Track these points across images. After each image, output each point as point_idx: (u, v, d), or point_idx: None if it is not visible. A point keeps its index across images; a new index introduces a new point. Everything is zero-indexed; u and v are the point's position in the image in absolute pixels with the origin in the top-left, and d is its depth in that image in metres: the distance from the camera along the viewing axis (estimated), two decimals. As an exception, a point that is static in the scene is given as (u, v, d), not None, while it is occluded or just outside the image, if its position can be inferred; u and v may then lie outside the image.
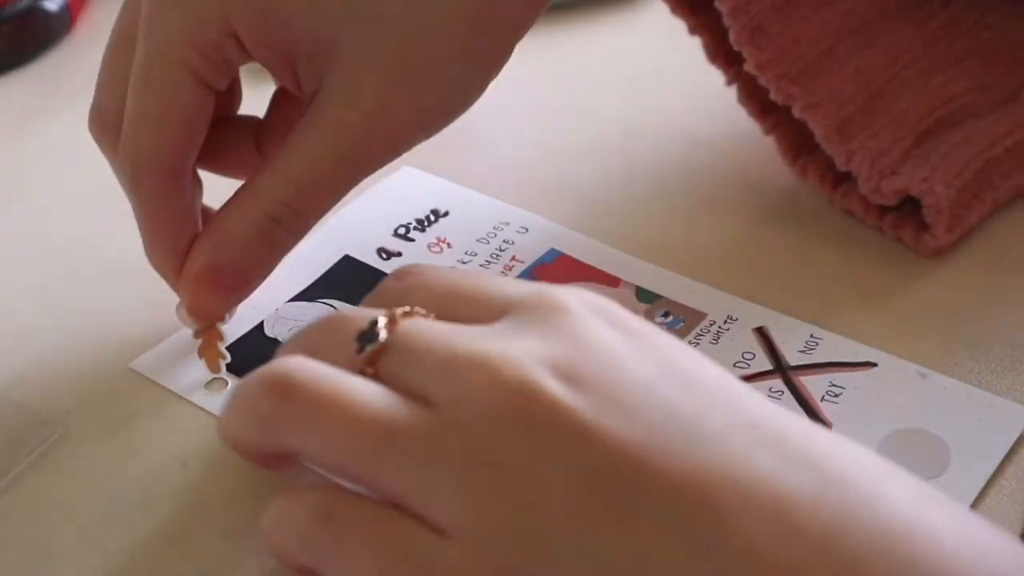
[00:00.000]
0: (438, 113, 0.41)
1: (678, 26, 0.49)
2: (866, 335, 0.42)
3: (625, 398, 0.29)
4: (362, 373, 0.31)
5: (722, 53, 0.48)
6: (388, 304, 0.33)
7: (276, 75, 0.41)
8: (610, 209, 0.48)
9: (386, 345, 0.31)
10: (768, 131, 0.48)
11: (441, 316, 0.32)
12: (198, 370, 0.41)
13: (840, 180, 0.46)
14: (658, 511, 0.28)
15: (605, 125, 0.53)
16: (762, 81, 0.45)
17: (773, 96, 0.45)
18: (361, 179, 0.41)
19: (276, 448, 0.31)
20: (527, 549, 0.28)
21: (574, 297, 0.32)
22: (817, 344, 0.42)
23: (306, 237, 0.46)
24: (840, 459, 0.29)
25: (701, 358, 0.31)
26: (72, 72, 0.58)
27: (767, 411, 0.30)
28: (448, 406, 0.29)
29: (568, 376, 0.29)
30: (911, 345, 0.41)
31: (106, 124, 0.41)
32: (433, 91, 0.40)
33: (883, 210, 0.45)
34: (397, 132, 0.40)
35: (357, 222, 0.47)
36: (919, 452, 0.38)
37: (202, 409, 0.40)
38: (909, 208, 0.45)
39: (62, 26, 0.60)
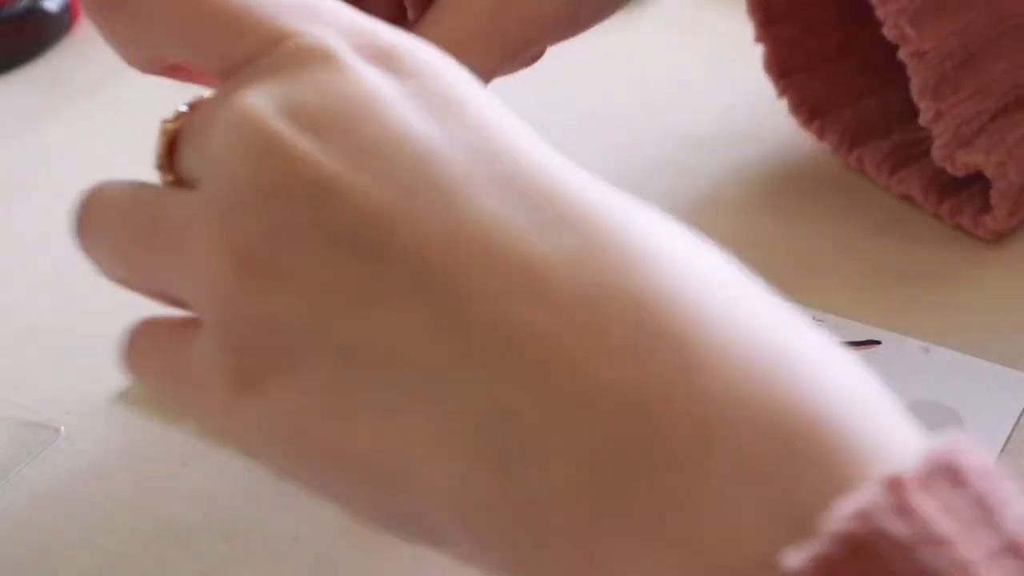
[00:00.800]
0: None
1: (680, 26, 0.49)
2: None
3: (375, 150, 0.25)
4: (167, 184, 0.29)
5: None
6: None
7: None
8: None
9: (173, 141, 0.29)
10: (812, 127, 0.48)
11: (187, 45, 0.29)
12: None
13: (897, 167, 0.46)
14: (396, 284, 0.25)
15: (604, 123, 0.52)
16: (880, 13, 0.44)
17: (887, 30, 0.44)
18: (505, 58, 0.38)
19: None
20: (270, 337, 0.26)
21: (342, 37, 0.27)
22: (819, 326, 0.42)
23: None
24: (616, 221, 0.25)
25: (495, 106, 0.27)
26: (72, 72, 0.58)
27: (548, 165, 0.26)
28: (202, 182, 0.27)
29: (312, 126, 0.26)
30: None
31: None
32: None
33: (942, 196, 0.45)
34: None
35: None
36: (933, 424, 0.37)
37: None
38: (966, 195, 0.45)
39: (62, 26, 0.59)
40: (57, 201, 0.50)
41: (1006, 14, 0.46)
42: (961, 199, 0.45)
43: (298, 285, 0.25)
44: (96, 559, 0.36)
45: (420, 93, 0.26)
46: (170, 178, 0.29)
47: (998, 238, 0.44)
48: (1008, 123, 0.45)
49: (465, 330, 0.24)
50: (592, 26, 0.41)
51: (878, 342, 0.41)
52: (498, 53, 0.37)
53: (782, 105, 0.50)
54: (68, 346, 0.43)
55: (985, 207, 0.44)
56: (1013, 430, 0.38)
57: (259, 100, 0.26)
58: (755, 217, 0.47)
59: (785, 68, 0.50)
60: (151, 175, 0.45)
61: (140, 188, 0.30)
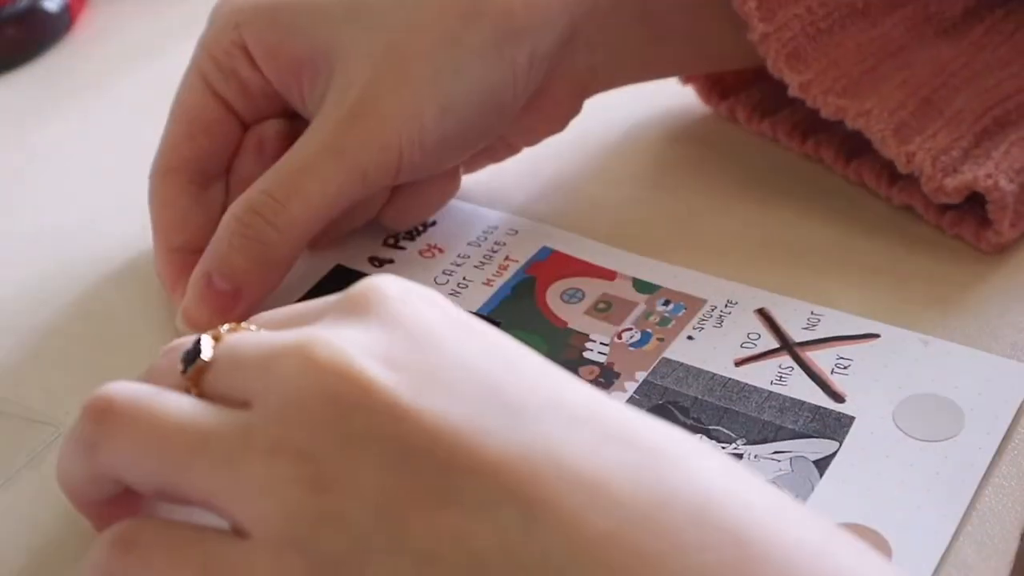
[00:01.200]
0: (427, 104, 0.41)
1: None
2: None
3: (445, 377, 0.28)
4: (187, 392, 0.30)
5: (716, 92, 0.51)
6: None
7: (285, 93, 0.43)
8: (608, 209, 0.48)
9: (209, 362, 0.30)
10: (807, 147, 0.48)
11: None
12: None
13: (896, 177, 0.46)
14: (474, 493, 0.27)
15: (602, 124, 0.52)
16: (809, 102, 0.45)
17: (824, 114, 0.45)
18: (354, 179, 0.40)
19: (98, 475, 0.31)
20: (334, 540, 0.27)
21: (395, 283, 0.31)
22: (819, 320, 0.42)
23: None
24: (656, 436, 0.29)
25: (524, 346, 0.30)
26: (72, 72, 0.58)
27: (587, 393, 0.29)
28: (261, 400, 0.29)
29: (386, 358, 0.28)
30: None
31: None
32: (421, 79, 0.40)
33: (943, 207, 0.45)
34: (383, 120, 0.40)
35: (345, 234, 0.47)
36: (934, 416, 0.39)
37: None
38: (967, 205, 0.44)
39: (62, 26, 0.60)
40: (57, 199, 0.50)
41: (947, 61, 0.46)
42: (962, 210, 0.44)
43: (371, 492, 0.27)
44: (96, 559, 0.36)
45: (462, 327, 0.30)
46: (194, 389, 0.30)
47: (999, 250, 0.44)
48: (992, 144, 0.44)
49: (545, 536, 0.27)
50: (463, 155, 0.44)
51: (877, 335, 0.41)
52: (341, 173, 0.40)
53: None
54: (67, 345, 0.43)
55: (987, 220, 0.44)
56: (1014, 420, 0.38)
57: (330, 334, 0.29)
58: (758, 215, 0.47)
59: (724, 91, 0.50)
60: (148, 172, 0.45)
61: (180, 407, 0.30)
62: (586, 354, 0.41)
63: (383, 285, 0.30)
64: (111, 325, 0.44)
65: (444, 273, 0.45)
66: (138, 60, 0.58)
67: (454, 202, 0.48)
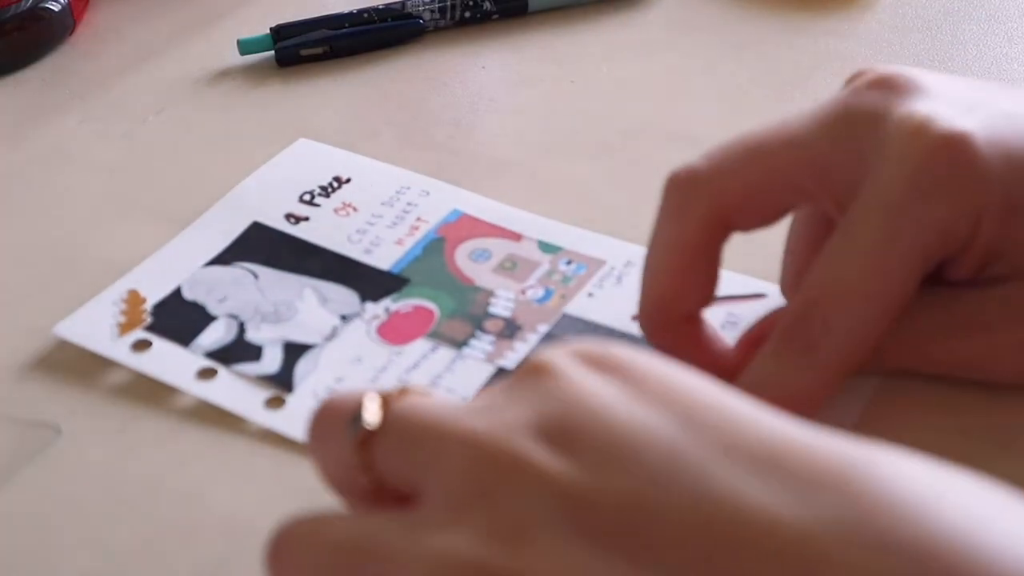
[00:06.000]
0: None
1: (680, 26, 0.49)
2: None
3: (621, 451, 0.26)
4: (360, 460, 0.30)
5: None
6: None
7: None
8: (615, 209, 0.48)
9: (377, 431, 0.30)
10: None
11: None
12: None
13: None
14: (655, 567, 0.25)
15: (604, 124, 0.52)
16: None
17: None
18: (895, 293, 0.35)
19: None
20: None
21: (560, 353, 0.29)
22: None
23: (212, 208, 0.48)
24: (862, 469, 0.25)
25: (707, 384, 0.28)
26: (74, 73, 0.58)
27: (776, 431, 0.27)
28: (432, 498, 0.28)
29: (557, 439, 0.27)
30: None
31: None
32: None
33: None
34: (920, 231, 0.35)
35: (261, 192, 0.49)
36: None
37: (202, 402, 0.40)
38: None
39: (64, 28, 0.59)
40: (60, 202, 0.50)
41: None
42: None
43: None
44: (96, 559, 0.36)
45: (635, 388, 0.28)
46: (365, 457, 0.30)
47: None
48: None
49: None
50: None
51: (764, 295, 0.43)
52: (884, 297, 0.35)
53: (782, 106, 0.51)
54: (67, 345, 0.43)
55: None
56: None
57: (503, 424, 0.28)
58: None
59: None
60: (150, 172, 0.46)
61: (350, 514, 0.30)
62: (491, 309, 0.43)
63: (550, 358, 0.29)
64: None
65: (357, 232, 0.47)
66: (141, 62, 0.58)
67: (368, 161, 0.50)
